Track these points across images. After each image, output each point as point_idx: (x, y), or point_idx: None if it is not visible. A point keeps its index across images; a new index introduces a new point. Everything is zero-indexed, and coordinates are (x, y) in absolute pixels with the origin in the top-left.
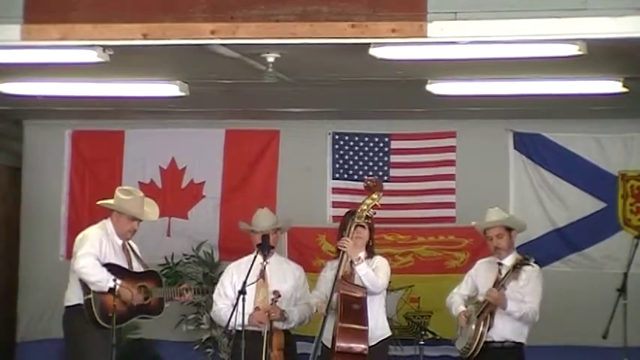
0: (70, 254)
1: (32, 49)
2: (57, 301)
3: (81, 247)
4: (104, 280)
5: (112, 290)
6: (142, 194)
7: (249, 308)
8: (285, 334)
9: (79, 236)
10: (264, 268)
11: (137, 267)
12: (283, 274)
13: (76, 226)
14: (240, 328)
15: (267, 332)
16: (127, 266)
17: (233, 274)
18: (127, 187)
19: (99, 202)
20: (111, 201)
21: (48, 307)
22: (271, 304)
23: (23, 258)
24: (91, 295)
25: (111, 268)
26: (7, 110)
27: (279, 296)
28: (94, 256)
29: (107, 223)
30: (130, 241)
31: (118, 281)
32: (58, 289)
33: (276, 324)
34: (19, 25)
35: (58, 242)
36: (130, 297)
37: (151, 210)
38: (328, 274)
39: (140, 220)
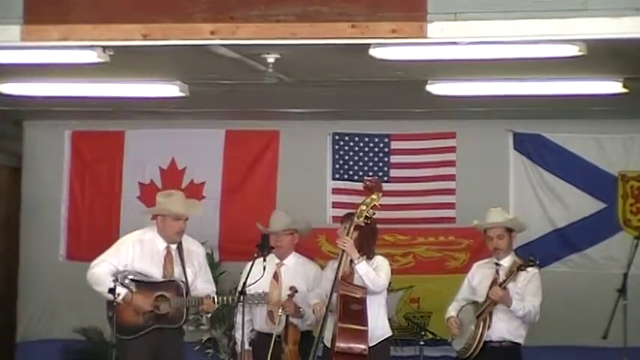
0: (69, 254)
1: (32, 50)
2: (57, 301)
3: (102, 255)
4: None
5: (111, 302)
6: (181, 193)
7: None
8: (304, 335)
9: None
10: (279, 269)
11: (179, 273)
12: (296, 276)
13: (75, 227)
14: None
15: (284, 327)
16: (159, 272)
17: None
18: (166, 191)
19: (147, 211)
20: (153, 208)
21: (48, 307)
22: (287, 299)
23: (23, 258)
24: (111, 313)
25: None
26: (7, 110)
27: (296, 291)
28: (107, 263)
29: (149, 229)
30: (190, 245)
31: (124, 291)
32: (58, 289)
33: (293, 320)
34: (19, 26)
35: (58, 242)
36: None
37: (193, 206)
38: (329, 274)
39: (186, 219)
